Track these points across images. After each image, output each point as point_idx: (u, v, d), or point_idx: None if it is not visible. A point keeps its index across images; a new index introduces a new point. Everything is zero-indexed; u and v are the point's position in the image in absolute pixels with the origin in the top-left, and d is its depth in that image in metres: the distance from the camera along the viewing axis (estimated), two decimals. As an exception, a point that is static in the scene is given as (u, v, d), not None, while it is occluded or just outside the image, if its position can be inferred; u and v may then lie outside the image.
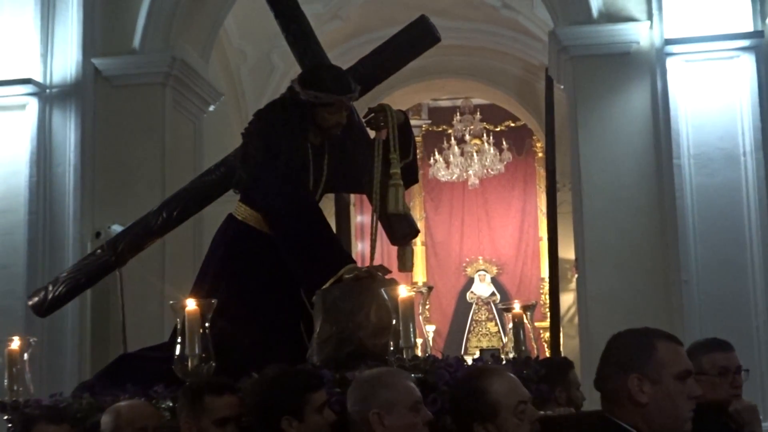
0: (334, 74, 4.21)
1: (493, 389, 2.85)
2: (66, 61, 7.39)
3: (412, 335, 3.36)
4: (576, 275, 7.77)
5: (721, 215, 6.65)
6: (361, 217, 12.94)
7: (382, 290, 3.47)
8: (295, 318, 4.01)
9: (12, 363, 4.02)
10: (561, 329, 9.23)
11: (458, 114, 15.43)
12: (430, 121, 16.10)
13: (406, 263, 4.31)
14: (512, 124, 15.43)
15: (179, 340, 3.54)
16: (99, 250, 5.03)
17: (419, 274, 15.45)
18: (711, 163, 6.70)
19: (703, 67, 6.83)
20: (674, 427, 2.38)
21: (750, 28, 6.78)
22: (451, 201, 16.14)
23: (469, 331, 15.60)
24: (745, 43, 6.77)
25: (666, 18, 6.89)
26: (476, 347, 14.94)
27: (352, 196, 7.99)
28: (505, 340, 4.04)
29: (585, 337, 6.92)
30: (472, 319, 15.69)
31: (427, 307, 13.20)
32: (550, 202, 8.37)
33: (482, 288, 15.82)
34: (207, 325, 3.52)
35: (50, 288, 5.00)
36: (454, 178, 15.06)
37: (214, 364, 3.50)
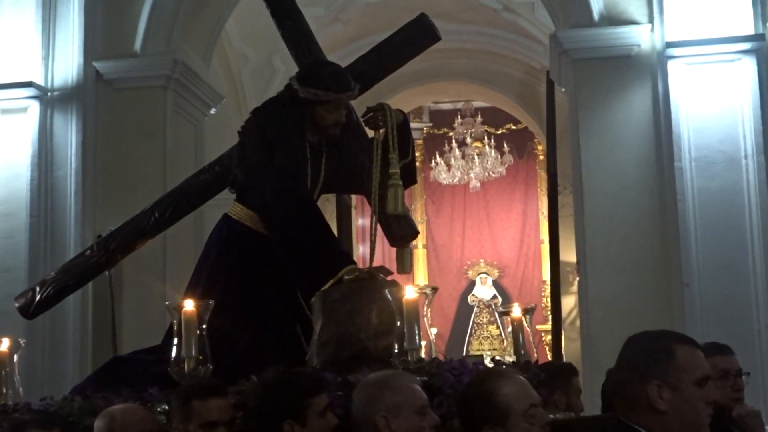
0: (333, 71, 4.14)
1: (503, 392, 2.80)
2: (67, 64, 7.38)
3: (417, 337, 3.31)
4: (577, 278, 7.76)
5: (722, 218, 6.64)
6: (363, 219, 12.92)
7: (386, 291, 3.41)
8: (292, 319, 3.96)
9: (1, 365, 3.89)
10: (562, 332, 9.20)
11: (459, 117, 15.44)
12: (431, 124, 16.11)
13: (404, 265, 4.26)
14: (513, 127, 15.44)
15: (175, 342, 3.47)
16: (88, 251, 4.90)
17: (421, 276, 15.43)
18: (712, 167, 6.69)
19: (704, 70, 6.82)
20: None
21: (751, 31, 6.77)
22: (452, 204, 16.14)
23: (470, 334, 15.60)
24: (746, 46, 6.76)
25: (667, 21, 6.89)
26: (478, 350, 14.94)
27: (354, 198, 7.96)
28: (506, 343, 4.03)
29: (586, 340, 6.89)
30: (473, 322, 15.68)
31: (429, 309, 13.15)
32: (552, 205, 8.35)
33: (484, 291, 15.81)
34: (204, 326, 3.46)
35: (37, 290, 4.87)
36: (455, 180, 15.06)
37: (211, 366, 3.44)
